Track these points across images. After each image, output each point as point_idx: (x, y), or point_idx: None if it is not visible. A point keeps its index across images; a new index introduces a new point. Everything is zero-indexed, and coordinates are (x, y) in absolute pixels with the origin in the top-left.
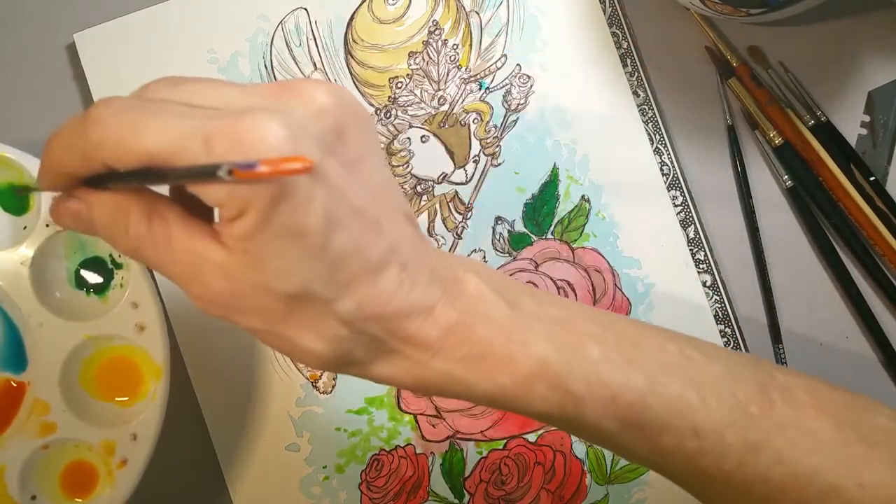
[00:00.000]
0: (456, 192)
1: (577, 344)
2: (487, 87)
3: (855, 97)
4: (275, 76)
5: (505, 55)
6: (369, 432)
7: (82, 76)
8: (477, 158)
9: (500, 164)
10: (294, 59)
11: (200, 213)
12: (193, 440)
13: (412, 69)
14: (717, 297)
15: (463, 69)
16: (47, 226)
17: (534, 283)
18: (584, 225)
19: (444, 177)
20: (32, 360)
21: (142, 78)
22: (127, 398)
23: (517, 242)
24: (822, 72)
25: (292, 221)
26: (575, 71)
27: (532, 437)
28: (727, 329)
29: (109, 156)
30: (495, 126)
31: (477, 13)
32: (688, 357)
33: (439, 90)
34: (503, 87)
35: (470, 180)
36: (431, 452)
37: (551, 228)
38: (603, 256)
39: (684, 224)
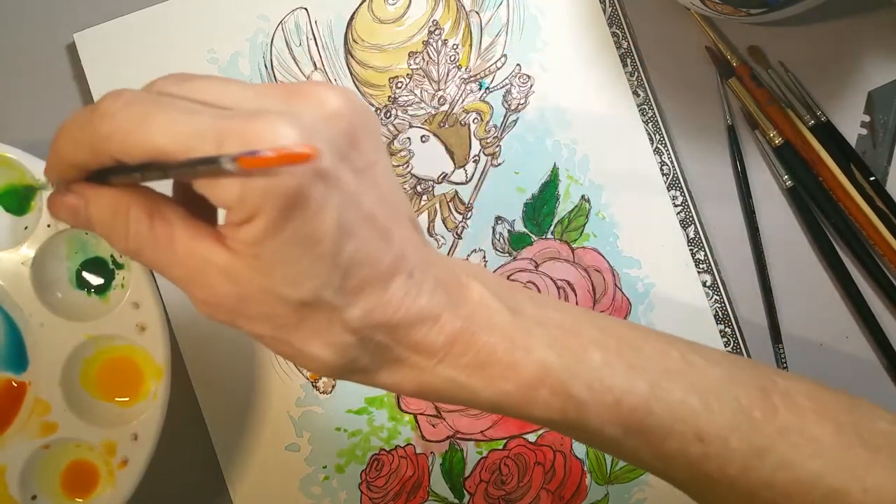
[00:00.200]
0: (456, 192)
1: (578, 349)
2: (487, 87)
3: (855, 97)
4: (275, 76)
5: (505, 55)
6: (369, 432)
7: (82, 76)
8: (477, 158)
9: (500, 164)
10: (294, 58)
11: (203, 215)
12: (193, 440)
13: (412, 69)
14: (717, 297)
15: (463, 69)
16: (48, 226)
17: (534, 283)
18: (584, 225)
19: (444, 177)
20: (33, 360)
21: (142, 78)
22: (128, 398)
23: (517, 242)
24: (822, 72)
25: (305, 228)
26: (575, 71)
27: (532, 437)
28: (727, 329)
29: (117, 149)
30: (495, 126)
31: (477, 13)
32: (690, 362)
33: (439, 90)
34: (503, 87)
35: (470, 180)
36: (431, 452)
37: (551, 228)
38: (603, 256)
39: (684, 224)
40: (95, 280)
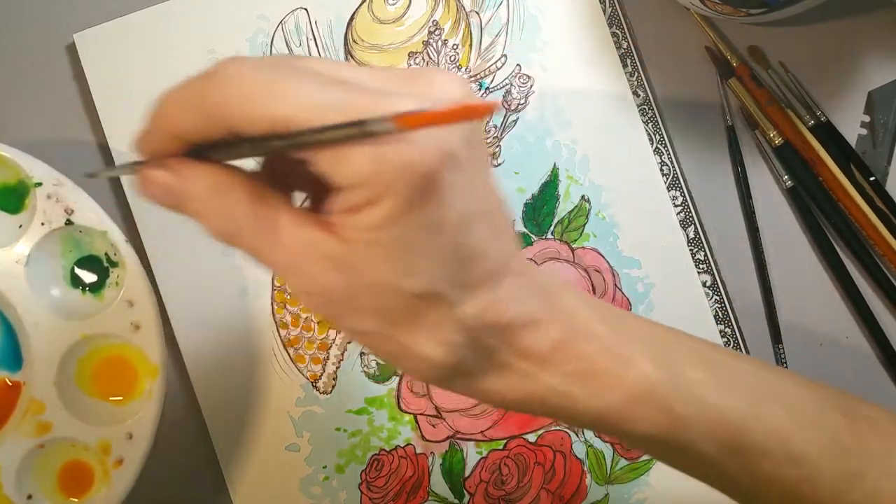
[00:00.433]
0: None
1: (676, 365)
2: (487, 88)
3: (855, 97)
4: None
5: (505, 55)
6: (369, 432)
7: (82, 76)
8: None
9: (499, 164)
10: None
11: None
12: (194, 440)
13: None
14: (717, 297)
15: (463, 69)
16: (42, 224)
17: None
18: (584, 225)
19: None
20: (28, 360)
21: (142, 78)
22: (122, 397)
23: None
24: (822, 72)
25: (431, 214)
26: (575, 71)
27: (532, 437)
28: (727, 329)
29: (238, 115)
30: (495, 126)
31: (477, 13)
32: (782, 385)
33: None
34: (503, 87)
35: None
36: (431, 452)
37: (551, 228)
38: (603, 256)
39: (684, 224)
40: (90, 278)
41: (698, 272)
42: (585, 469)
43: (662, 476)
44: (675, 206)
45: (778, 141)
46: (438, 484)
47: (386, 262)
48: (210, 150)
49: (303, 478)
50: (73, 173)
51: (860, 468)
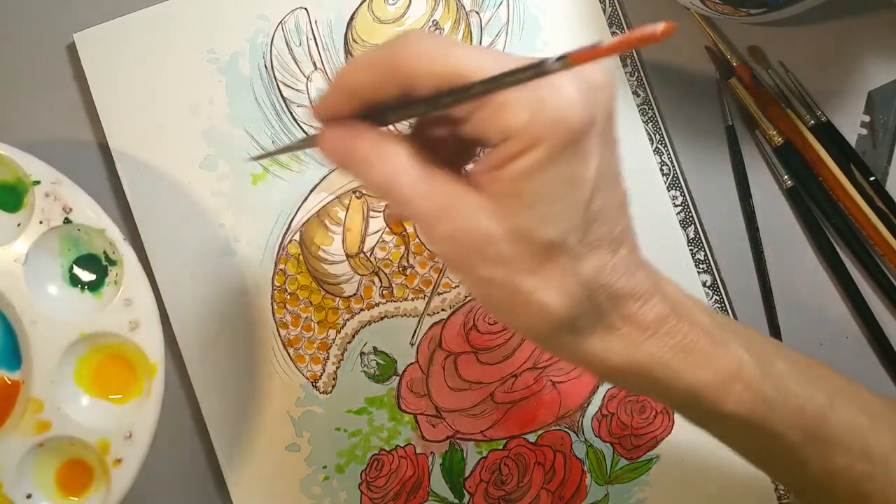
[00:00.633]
0: None
1: (766, 355)
2: None
3: (855, 97)
4: (275, 76)
5: None
6: (369, 432)
7: (82, 76)
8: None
9: None
10: (294, 58)
11: None
12: (193, 439)
13: None
14: (717, 297)
15: None
16: (40, 223)
17: None
18: None
19: None
20: (26, 358)
21: (142, 78)
22: (121, 396)
23: None
24: (822, 72)
25: (573, 168)
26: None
27: (532, 437)
28: None
29: (421, 68)
30: None
31: (477, 13)
32: (858, 389)
33: None
34: None
35: None
36: (431, 452)
37: None
38: None
39: (684, 224)
40: (88, 277)
41: (698, 272)
42: (585, 469)
43: (662, 476)
44: (675, 206)
45: (778, 141)
46: (438, 484)
47: (525, 211)
48: (381, 113)
49: (303, 478)
50: (72, 173)
51: None
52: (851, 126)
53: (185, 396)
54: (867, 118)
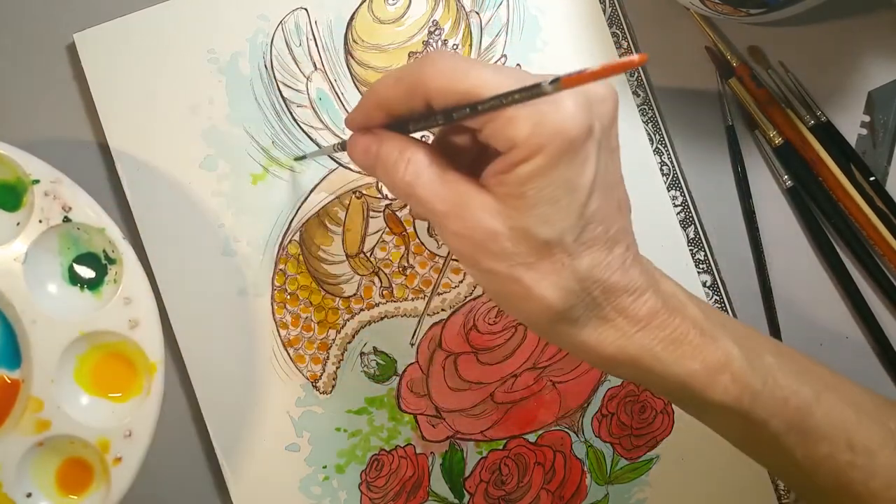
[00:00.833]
0: None
1: (755, 349)
2: None
3: (855, 97)
4: (275, 76)
5: (505, 55)
6: (369, 432)
7: (82, 76)
8: None
9: None
10: (294, 59)
11: None
12: (193, 439)
13: None
14: (717, 297)
15: None
16: (40, 221)
17: None
18: None
19: None
20: (26, 357)
21: (142, 78)
22: (121, 395)
23: None
24: (822, 72)
25: (570, 173)
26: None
27: (532, 437)
28: None
29: (439, 87)
30: None
31: (477, 13)
32: (846, 384)
33: None
34: None
35: None
36: (431, 452)
37: None
38: None
39: (684, 224)
40: (88, 275)
41: (698, 272)
42: (585, 469)
43: (662, 476)
44: (675, 206)
45: (778, 141)
46: (438, 484)
47: (526, 212)
48: (405, 124)
49: (303, 478)
50: (72, 172)
51: None
52: (851, 126)
53: (185, 396)
54: (867, 118)
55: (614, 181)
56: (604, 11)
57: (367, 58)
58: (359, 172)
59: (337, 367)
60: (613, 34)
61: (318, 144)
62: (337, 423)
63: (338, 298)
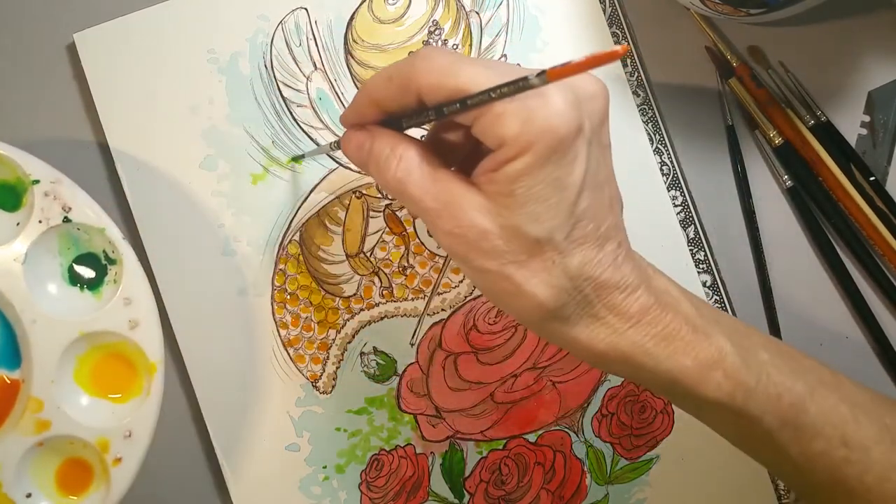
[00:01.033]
0: None
1: (749, 346)
2: None
3: (855, 97)
4: (275, 76)
5: (505, 55)
6: (369, 432)
7: (82, 76)
8: None
9: None
10: (294, 59)
11: None
12: (193, 439)
13: None
14: (717, 297)
15: None
16: (40, 222)
17: None
18: None
19: None
20: (26, 357)
21: (142, 78)
22: (120, 395)
23: None
24: (822, 72)
25: (559, 171)
26: None
27: (532, 437)
28: None
29: (429, 84)
30: None
31: (477, 13)
32: (841, 381)
33: None
34: None
35: None
36: (431, 452)
37: None
38: None
39: (684, 224)
40: (88, 275)
41: (698, 272)
42: (585, 469)
43: (662, 476)
44: (675, 206)
45: (778, 141)
46: (438, 484)
47: (516, 210)
48: (399, 120)
49: (303, 478)
50: (72, 172)
51: None
52: (851, 126)
53: (185, 396)
54: (867, 118)
55: (605, 178)
56: (604, 11)
57: (367, 58)
58: (359, 172)
59: (337, 367)
60: (613, 34)
61: (317, 144)
62: (337, 423)
63: (338, 298)
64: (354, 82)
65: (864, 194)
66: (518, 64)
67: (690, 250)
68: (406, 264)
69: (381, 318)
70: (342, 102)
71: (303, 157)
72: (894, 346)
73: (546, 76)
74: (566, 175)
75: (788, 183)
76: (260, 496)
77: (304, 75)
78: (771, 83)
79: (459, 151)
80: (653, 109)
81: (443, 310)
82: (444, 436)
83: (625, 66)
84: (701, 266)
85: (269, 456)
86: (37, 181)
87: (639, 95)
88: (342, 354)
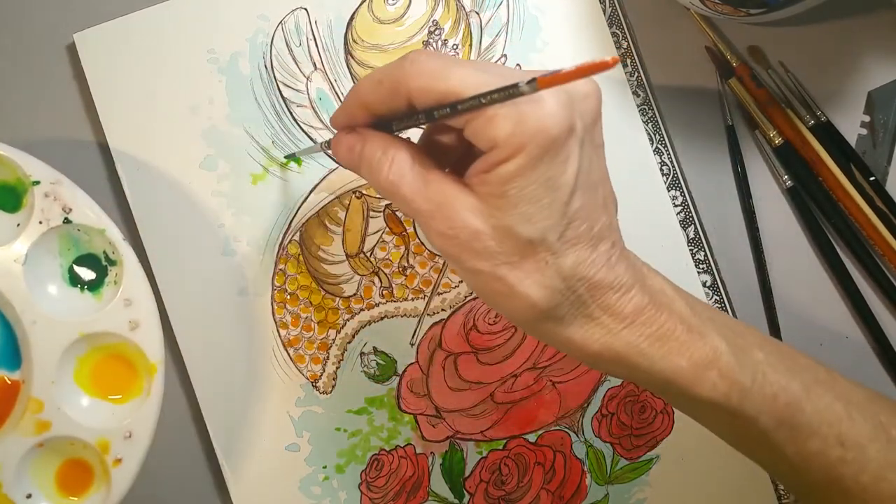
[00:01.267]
0: None
1: (745, 345)
2: None
3: (855, 97)
4: (275, 76)
5: (505, 55)
6: (369, 432)
7: (82, 76)
8: None
9: None
10: (294, 59)
11: None
12: (193, 439)
13: None
14: (717, 297)
15: None
16: (40, 223)
17: None
18: None
19: None
20: (26, 358)
21: (142, 78)
22: (121, 396)
23: None
24: (822, 72)
25: (551, 172)
26: None
27: (532, 437)
28: None
29: (420, 87)
30: None
31: (477, 13)
32: (836, 379)
33: None
34: None
35: None
36: (431, 452)
37: None
38: None
39: (684, 224)
40: (88, 276)
41: (698, 272)
42: (585, 469)
43: (662, 476)
44: (675, 206)
45: (778, 141)
46: (438, 484)
47: (509, 211)
48: (389, 122)
49: (303, 478)
50: (72, 173)
51: None
52: (851, 126)
53: (185, 396)
54: (867, 118)
55: (599, 178)
56: (604, 11)
57: (367, 58)
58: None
59: (337, 367)
60: (613, 34)
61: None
62: (337, 423)
63: (338, 298)
64: (354, 82)
65: (864, 194)
66: (518, 65)
67: (690, 250)
68: (406, 264)
69: (381, 318)
70: (342, 103)
71: (294, 155)
72: (894, 346)
73: (536, 84)
74: (559, 175)
75: (788, 183)
76: (260, 496)
77: (304, 75)
78: (771, 83)
79: (452, 153)
80: (653, 109)
81: (443, 310)
82: (444, 436)
83: (625, 66)
84: (701, 266)
85: (269, 456)
86: (37, 182)
87: (639, 95)
88: (342, 354)
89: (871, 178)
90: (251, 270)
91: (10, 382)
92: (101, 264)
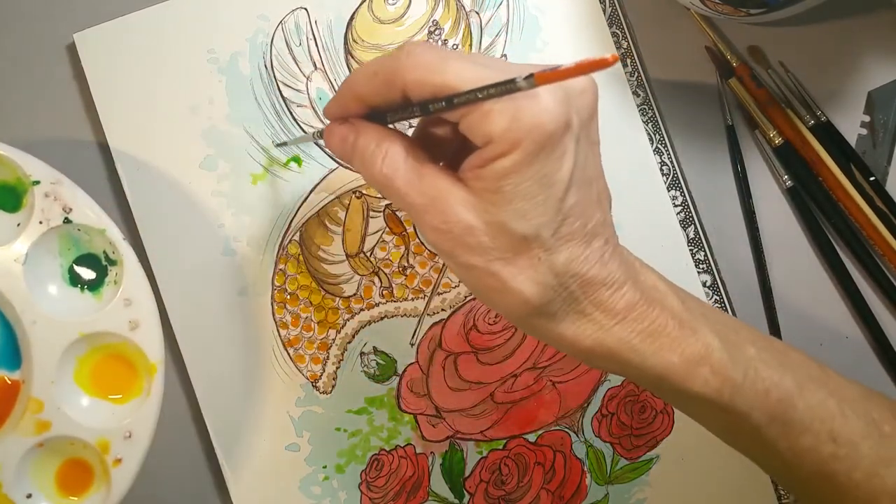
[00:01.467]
0: None
1: (737, 341)
2: None
3: (855, 97)
4: (275, 76)
5: (505, 55)
6: (369, 432)
7: (82, 76)
8: None
9: None
10: (294, 58)
11: None
12: (193, 439)
13: None
14: (717, 297)
15: None
16: (40, 223)
17: None
18: None
19: None
20: (26, 358)
21: (142, 78)
22: (121, 396)
23: None
24: (822, 72)
25: (547, 168)
26: None
27: (532, 437)
28: None
29: (415, 79)
30: None
31: (477, 13)
32: (829, 375)
33: None
34: None
35: None
36: (431, 452)
37: None
38: None
39: (684, 224)
40: (88, 276)
41: (698, 272)
42: (585, 469)
43: (662, 476)
44: (675, 206)
45: (778, 141)
46: (438, 484)
47: (503, 207)
48: (384, 114)
49: (303, 478)
50: (72, 173)
51: None
52: (851, 126)
53: (185, 396)
54: (867, 118)
55: (594, 174)
56: (604, 11)
57: (367, 57)
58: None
59: (337, 367)
60: (613, 34)
61: (317, 144)
62: (337, 423)
63: (338, 298)
64: None
65: (864, 194)
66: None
67: (690, 250)
68: (406, 264)
69: (381, 318)
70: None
71: (285, 143)
72: (894, 346)
73: (534, 80)
74: (554, 172)
75: (788, 183)
76: (260, 496)
77: (304, 75)
78: (771, 83)
79: (447, 146)
80: (653, 109)
81: (443, 310)
82: (444, 436)
83: (625, 65)
84: (701, 266)
85: (269, 456)
86: (37, 182)
87: (639, 95)
88: (342, 354)
89: (871, 178)
90: (251, 270)
91: (10, 382)
92: (101, 264)
